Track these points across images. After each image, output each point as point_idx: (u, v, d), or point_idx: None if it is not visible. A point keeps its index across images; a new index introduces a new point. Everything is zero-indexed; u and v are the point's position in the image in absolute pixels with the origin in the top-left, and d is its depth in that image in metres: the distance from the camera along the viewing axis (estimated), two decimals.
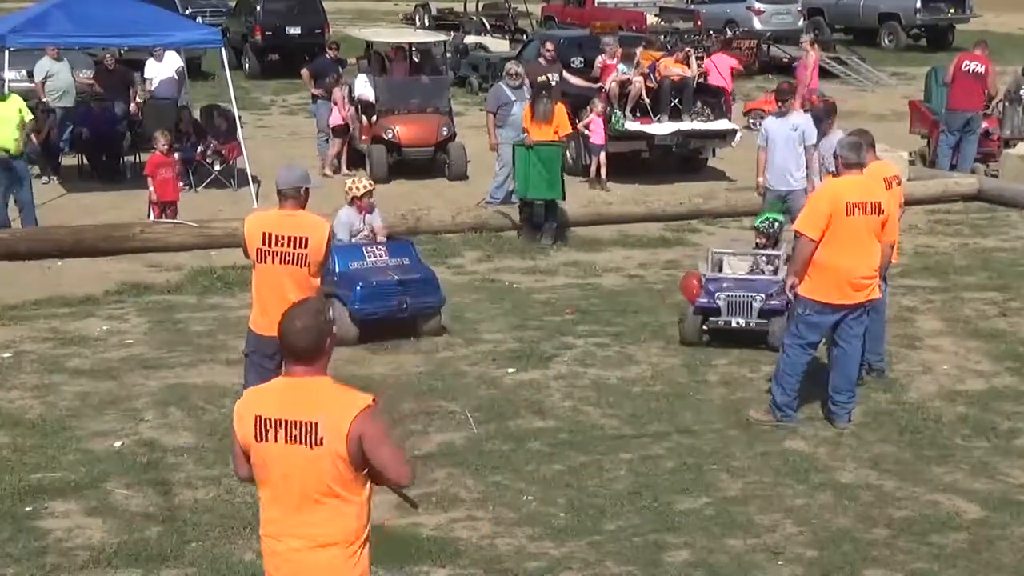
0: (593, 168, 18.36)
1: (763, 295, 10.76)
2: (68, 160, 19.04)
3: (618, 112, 18.68)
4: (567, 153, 19.34)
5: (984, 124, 19.04)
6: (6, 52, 17.02)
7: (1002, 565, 7.19)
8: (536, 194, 14.84)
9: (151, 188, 15.24)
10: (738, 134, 19.39)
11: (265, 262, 8.07)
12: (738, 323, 10.81)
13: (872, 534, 7.54)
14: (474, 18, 36.93)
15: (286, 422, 4.66)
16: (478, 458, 8.61)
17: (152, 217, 15.22)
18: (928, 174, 18.46)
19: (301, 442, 4.63)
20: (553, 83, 18.03)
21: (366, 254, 11.35)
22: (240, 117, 18.82)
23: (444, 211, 15.99)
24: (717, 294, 10.83)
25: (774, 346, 10.24)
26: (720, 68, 22.23)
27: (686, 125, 18.97)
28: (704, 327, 10.98)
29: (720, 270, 11.27)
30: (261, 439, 4.70)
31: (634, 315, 11.92)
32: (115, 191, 17.50)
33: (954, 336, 11.51)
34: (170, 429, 9.13)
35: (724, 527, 7.61)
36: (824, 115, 12.74)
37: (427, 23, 39.02)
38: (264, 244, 8.05)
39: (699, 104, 19.47)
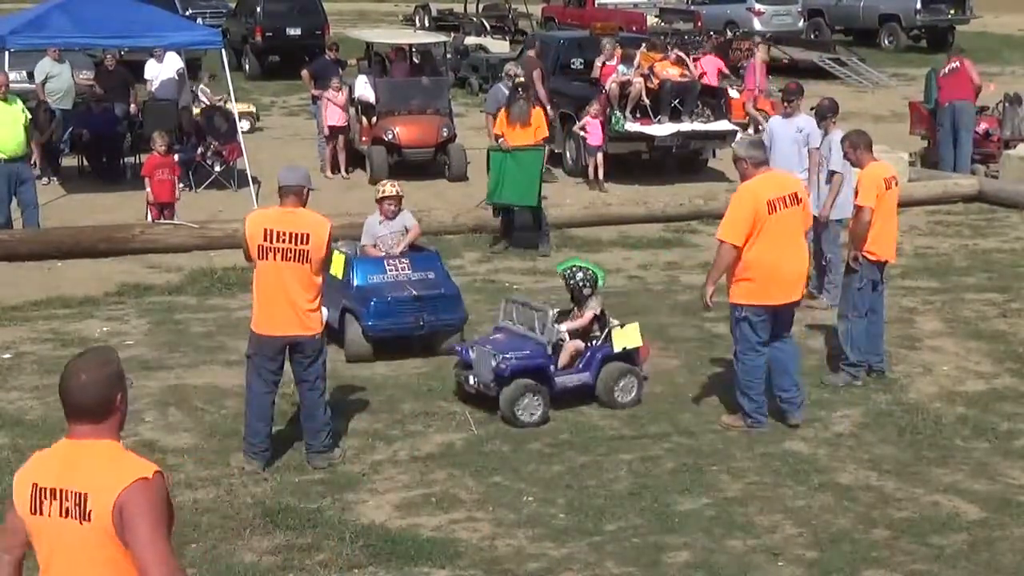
0: (591, 169, 18.36)
1: (502, 355, 9.24)
2: (68, 161, 19.06)
3: (618, 113, 18.68)
4: (566, 154, 19.47)
5: (984, 125, 19.09)
6: (6, 53, 17.02)
7: (1002, 566, 7.19)
8: (507, 199, 14.61)
9: (148, 189, 15.25)
10: (738, 135, 19.38)
11: (267, 259, 8.12)
12: (474, 382, 9.47)
13: (872, 535, 7.54)
14: (474, 19, 36.95)
15: (60, 491, 3.96)
16: (478, 459, 8.62)
17: (150, 218, 15.22)
18: (928, 175, 18.48)
19: (73, 516, 3.93)
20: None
21: (387, 267, 10.80)
22: (240, 118, 18.82)
23: (444, 212, 15.99)
24: (473, 346, 9.66)
25: (507, 419, 9.18)
26: (709, 70, 22.29)
27: (686, 126, 18.98)
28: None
29: (512, 320, 9.86)
30: (36, 511, 4.00)
31: (634, 316, 11.89)
32: (115, 192, 17.51)
33: (954, 337, 11.51)
34: (170, 430, 9.13)
35: (724, 528, 7.61)
36: (827, 112, 12.64)
37: (427, 24, 39.03)
38: (265, 240, 8.10)
39: (699, 105, 19.49)
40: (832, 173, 12.13)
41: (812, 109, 13.14)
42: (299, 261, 8.12)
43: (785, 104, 13.53)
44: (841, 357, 10.18)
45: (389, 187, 11.34)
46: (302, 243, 8.10)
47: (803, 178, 12.95)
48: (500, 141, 14.76)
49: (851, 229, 10.11)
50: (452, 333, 10.71)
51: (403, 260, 10.90)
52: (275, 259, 8.11)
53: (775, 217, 8.74)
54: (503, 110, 15.12)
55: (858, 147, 10.21)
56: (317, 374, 8.41)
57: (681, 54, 21.02)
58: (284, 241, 8.09)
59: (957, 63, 19.04)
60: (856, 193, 10.06)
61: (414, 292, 10.57)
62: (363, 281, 10.72)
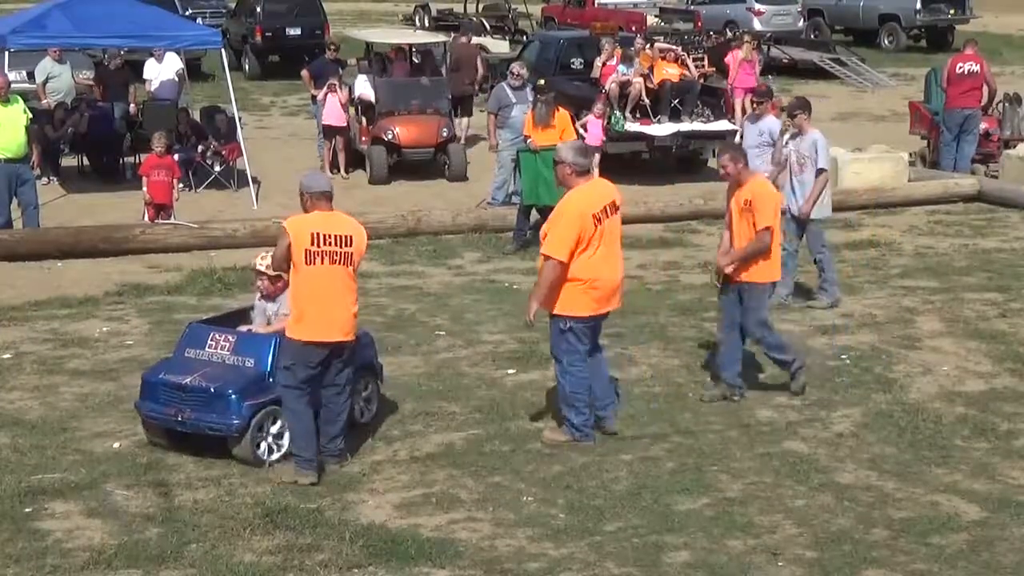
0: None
1: None
2: (68, 161, 19.06)
3: (618, 113, 18.70)
4: None
5: (984, 125, 19.06)
6: (7, 53, 17.03)
7: (1002, 566, 7.19)
8: (544, 200, 14.55)
9: (144, 188, 15.23)
10: (738, 135, 19.39)
11: (313, 263, 8.12)
12: None
13: (872, 535, 7.54)
14: (474, 19, 36.94)
15: None
16: (478, 459, 8.62)
17: (146, 218, 15.19)
18: (928, 175, 18.47)
19: None
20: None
21: (209, 343, 8.81)
22: (240, 118, 18.84)
23: (444, 212, 15.99)
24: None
25: None
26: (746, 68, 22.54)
27: (686, 126, 19.01)
28: None
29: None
30: None
31: (633, 316, 11.90)
32: (115, 192, 17.50)
33: (954, 337, 11.50)
34: None
35: (724, 528, 7.61)
36: (795, 110, 12.28)
37: (427, 24, 39.03)
38: (313, 244, 8.12)
39: (699, 105, 19.51)
40: (820, 171, 12.01)
41: (783, 110, 13.11)
42: (344, 264, 8.18)
43: (754, 105, 13.50)
44: (781, 367, 9.91)
45: (259, 260, 8.98)
46: (347, 245, 8.18)
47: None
48: (528, 142, 14.77)
49: (753, 249, 9.54)
50: (219, 438, 8.54)
51: (230, 338, 8.83)
52: (322, 263, 8.11)
53: (599, 230, 8.62)
54: (530, 113, 15.16)
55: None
56: (347, 379, 8.42)
57: (678, 50, 21.05)
58: (331, 244, 8.13)
59: (976, 65, 18.60)
60: (763, 214, 9.53)
61: (186, 380, 8.59)
62: (178, 351, 9.02)
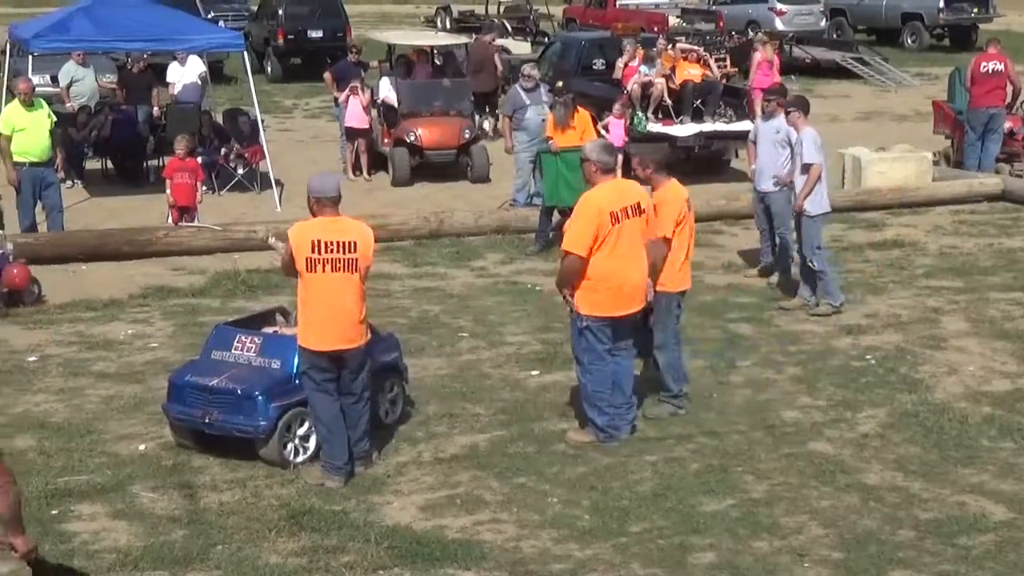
0: None
1: None
2: (92, 164, 19.14)
3: (640, 114, 18.68)
4: None
5: (1008, 124, 18.97)
6: (30, 57, 17.13)
7: None
8: (566, 201, 14.52)
9: (168, 191, 15.27)
10: (751, 133, 19.34)
11: (315, 271, 8.04)
12: None
13: (898, 536, 7.51)
14: (496, 20, 36.93)
15: None
16: (502, 460, 8.61)
17: (170, 221, 15.24)
18: (952, 174, 18.39)
19: None
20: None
21: (235, 345, 8.89)
22: (262, 120, 18.88)
23: (467, 214, 16.00)
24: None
25: None
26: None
27: (708, 126, 18.97)
28: None
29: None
30: None
31: None
32: (139, 195, 17.56)
33: (979, 337, 11.44)
34: None
35: (749, 529, 7.59)
36: (791, 108, 12.27)
37: (448, 26, 39.05)
38: (314, 252, 8.02)
39: (721, 105, 19.47)
40: (807, 166, 11.94)
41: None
42: (348, 271, 8.06)
43: (765, 103, 13.42)
44: (663, 389, 9.57)
45: None
46: (350, 251, 8.05)
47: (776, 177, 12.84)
48: (550, 144, 14.80)
49: (652, 263, 9.06)
50: (251, 440, 8.54)
51: (256, 339, 8.92)
52: (324, 270, 8.02)
53: (617, 228, 8.57)
54: (549, 115, 15.18)
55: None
56: (363, 385, 8.37)
57: (700, 51, 21.02)
58: (333, 251, 8.02)
59: (1001, 64, 18.56)
60: (662, 222, 9.18)
61: (212, 382, 8.63)
62: (205, 353, 9.10)
